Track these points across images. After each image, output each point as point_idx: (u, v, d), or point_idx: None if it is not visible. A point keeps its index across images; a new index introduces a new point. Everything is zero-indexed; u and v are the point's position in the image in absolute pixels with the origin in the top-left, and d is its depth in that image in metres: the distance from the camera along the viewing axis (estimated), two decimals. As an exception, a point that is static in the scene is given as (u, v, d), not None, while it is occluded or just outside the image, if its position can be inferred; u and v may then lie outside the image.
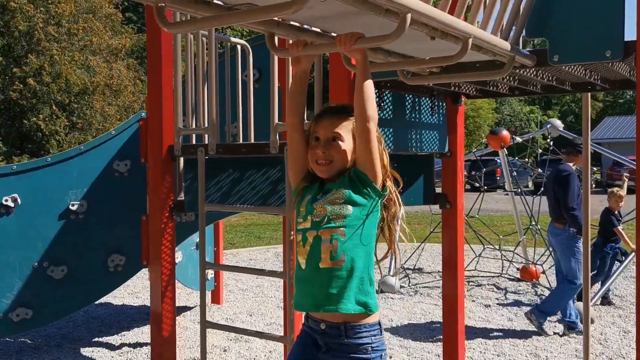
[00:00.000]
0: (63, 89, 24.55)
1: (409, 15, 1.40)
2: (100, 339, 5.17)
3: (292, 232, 2.14)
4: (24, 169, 4.44)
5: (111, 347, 4.97)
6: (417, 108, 3.22)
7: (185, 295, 6.67)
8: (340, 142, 1.90)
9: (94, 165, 4.62)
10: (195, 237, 5.81)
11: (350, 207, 1.86)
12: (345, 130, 1.91)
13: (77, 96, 25.12)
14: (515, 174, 8.99)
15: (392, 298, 6.73)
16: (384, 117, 2.95)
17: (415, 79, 2.29)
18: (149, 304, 5.27)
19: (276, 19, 1.56)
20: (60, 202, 4.51)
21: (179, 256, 5.32)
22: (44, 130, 24.10)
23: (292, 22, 1.64)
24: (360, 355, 1.85)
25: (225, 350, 4.83)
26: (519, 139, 9.06)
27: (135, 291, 6.97)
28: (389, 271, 7.26)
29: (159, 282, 3.35)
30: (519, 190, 8.50)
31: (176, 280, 5.71)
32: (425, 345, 4.92)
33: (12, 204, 4.33)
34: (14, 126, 25.05)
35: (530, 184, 22.73)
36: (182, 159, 3.38)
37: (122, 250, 4.71)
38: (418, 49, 1.94)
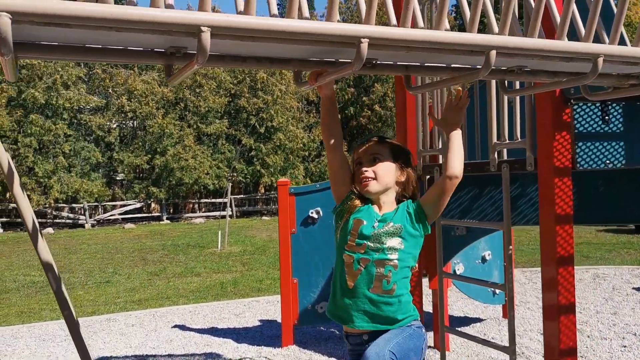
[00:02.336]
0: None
1: (493, 52, 1.57)
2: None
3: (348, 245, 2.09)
4: (323, 187, 5.42)
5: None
6: (662, 118, 2.95)
7: (481, 308, 6.88)
8: (381, 161, 2.06)
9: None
10: (480, 252, 6.03)
11: (404, 242, 1.99)
12: (385, 152, 2.08)
13: (416, 118, 27.20)
14: None
15: None
16: (610, 130, 2.82)
17: (600, 94, 2.24)
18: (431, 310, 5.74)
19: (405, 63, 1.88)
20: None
21: (460, 268, 5.62)
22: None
23: (426, 64, 1.92)
24: (405, 327, 2.01)
25: (501, 363, 4.94)
26: None
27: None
28: None
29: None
30: None
31: (460, 291, 6.04)
32: None
33: (316, 216, 5.32)
34: (364, 148, 28.51)
35: None
36: (427, 178, 3.75)
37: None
38: (574, 68, 1.96)
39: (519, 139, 2.91)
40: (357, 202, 2.06)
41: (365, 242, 2.00)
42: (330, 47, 1.54)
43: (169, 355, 5.28)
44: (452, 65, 1.94)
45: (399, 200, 2.10)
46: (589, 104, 2.77)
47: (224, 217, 17.28)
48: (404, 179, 2.09)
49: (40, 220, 23.35)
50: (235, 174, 25.45)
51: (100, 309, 7.52)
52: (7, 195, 22.67)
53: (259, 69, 1.77)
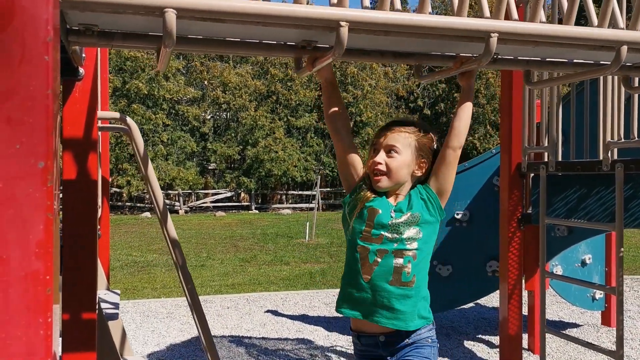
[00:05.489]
0: (497, 110, 26.17)
1: (624, 48, 1.54)
2: (483, 337, 5.74)
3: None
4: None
5: (490, 345, 5.48)
6: None
7: (578, 313, 6.63)
8: (396, 154, 1.93)
9: (476, 180, 5.25)
10: (580, 255, 5.81)
11: (422, 230, 1.91)
12: (403, 143, 1.94)
13: (509, 115, 26.33)
14: None
15: None
16: None
17: None
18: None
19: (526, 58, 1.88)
20: (448, 211, 5.29)
21: (558, 270, 5.45)
22: (478, 148, 26.17)
23: (548, 59, 1.91)
24: (424, 346, 1.96)
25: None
26: None
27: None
28: None
29: (506, 285, 3.72)
30: None
31: (559, 295, 5.86)
32: None
33: (410, 211, 5.34)
34: (454, 145, 27.98)
35: None
36: (531, 175, 3.69)
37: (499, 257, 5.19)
38: None
39: (636, 138, 2.81)
40: (369, 193, 1.97)
41: (382, 232, 1.90)
42: (457, 41, 1.57)
43: (263, 338, 5.49)
44: (574, 61, 1.92)
45: (414, 185, 1.99)
46: None
47: (311, 209, 17.61)
48: (420, 174, 1.98)
49: (138, 204, 24.74)
50: (322, 167, 25.76)
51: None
52: (109, 180, 24.17)
53: (382, 62, 1.83)
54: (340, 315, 6.34)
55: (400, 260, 1.89)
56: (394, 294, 1.89)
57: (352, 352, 5.11)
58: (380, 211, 1.92)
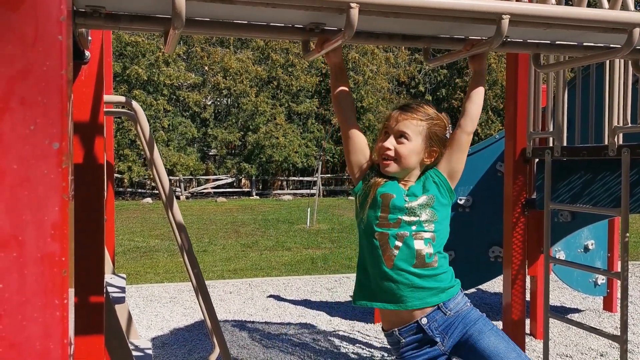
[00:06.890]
0: (498, 95, 26.10)
1: (636, 30, 1.53)
2: (485, 322, 5.76)
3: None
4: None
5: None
6: None
7: (579, 298, 6.66)
8: (406, 141, 1.90)
9: (479, 165, 5.24)
10: (583, 240, 5.82)
11: (437, 213, 1.91)
12: (414, 130, 1.91)
13: (511, 101, 26.26)
14: None
15: None
16: None
17: None
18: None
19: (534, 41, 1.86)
20: (450, 197, 5.29)
21: (561, 256, 5.46)
22: (480, 134, 26.14)
23: (557, 42, 1.89)
24: (469, 311, 1.92)
25: (602, 355, 4.80)
26: None
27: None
28: None
29: (510, 271, 3.72)
30: None
31: (561, 281, 5.88)
32: None
33: (413, 196, 5.34)
34: (455, 131, 27.95)
35: None
36: (536, 160, 3.67)
37: (502, 243, 5.19)
38: None
39: (643, 123, 2.80)
40: (379, 179, 1.94)
41: (399, 216, 1.88)
42: (467, 24, 1.56)
43: (266, 323, 5.52)
44: (584, 44, 1.91)
45: (423, 171, 1.98)
46: None
47: (312, 195, 17.66)
48: (429, 162, 1.96)
49: (139, 190, 24.75)
50: (323, 153, 25.74)
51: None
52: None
53: (390, 45, 1.82)
54: (343, 301, 6.40)
55: (420, 242, 1.87)
56: (420, 275, 1.87)
57: (355, 336, 5.15)
58: (394, 195, 1.90)
